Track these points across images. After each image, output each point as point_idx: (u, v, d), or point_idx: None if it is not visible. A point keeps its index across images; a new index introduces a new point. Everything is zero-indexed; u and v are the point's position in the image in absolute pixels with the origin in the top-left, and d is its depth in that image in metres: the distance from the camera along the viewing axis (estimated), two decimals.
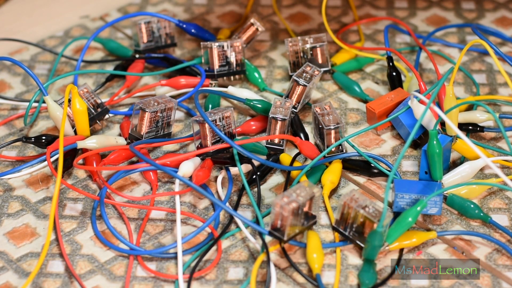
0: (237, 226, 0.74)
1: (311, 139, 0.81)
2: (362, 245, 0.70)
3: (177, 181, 0.73)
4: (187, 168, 0.75)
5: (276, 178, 0.79)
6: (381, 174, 0.78)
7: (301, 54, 0.87)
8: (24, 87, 0.89)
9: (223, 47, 0.86)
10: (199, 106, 0.75)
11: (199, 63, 0.87)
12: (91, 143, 0.78)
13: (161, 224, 0.75)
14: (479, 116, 0.81)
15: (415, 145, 0.81)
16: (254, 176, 0.77)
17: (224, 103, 0.87)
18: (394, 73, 0.86)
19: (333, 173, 0.77)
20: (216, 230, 0.73)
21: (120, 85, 0.89)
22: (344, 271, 0.71)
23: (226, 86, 0.85)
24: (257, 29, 0.90)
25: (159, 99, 0.79)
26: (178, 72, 0.88)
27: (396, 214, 0.74)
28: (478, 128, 0.81)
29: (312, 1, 1.01)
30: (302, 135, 0.80)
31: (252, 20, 0.90)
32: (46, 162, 0.79)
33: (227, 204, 0.76)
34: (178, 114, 0.86)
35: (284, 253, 0.71)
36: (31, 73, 0.80)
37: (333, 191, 0.77)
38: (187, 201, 0.77)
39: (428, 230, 0.74)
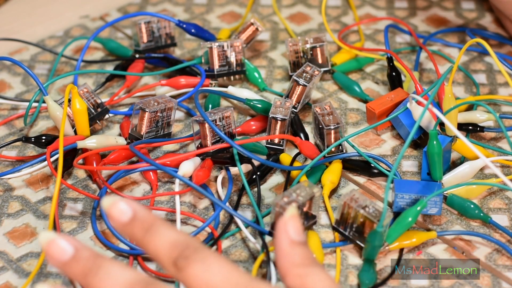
0: (237, 226, 0.74)
1: (311, 139, 0.82)
2: (362, 245, 0.70)
3: (177, 181, 0.73)
4: (187, 168, 0.75)
5: (276, 178, 0.79)
6: (381, 174, 0.78)
7: (301, 54, 0.87)
8: (24, 87, 0.89)
9: (223, 47, 0.86)
10: (199, 106, 0.75)
11: (199, 63, 0.87)
12: (91, 143, 0.78)
13: None
14: (479, 116, 0.81)
15: (415, 145, 0.81)
16: (254, 176, 0.77)
17: (224, 103, 0.87)
18: (394, 73, 0.86)
19: (333, 173, 0.77)
20: (216, 230, 0.73)
21: (120, 85, 0.89)
22: (344, 271, 0.71)
23: (226, 86, 0.85)
24: (257, 29, 0.90)
25: (159, 99, 0.79)
26: (178, 72, 0.88)
27: (396, 214, 0.74)
28: (478, 128, 0.81)
29: (312, 1, 1.01)
30: (302, 135, 0.80)
31: (252, 20, 0.90)
32: (46, 162, 0.79)
33: (227, 204, 0.76)
34: (178, 114, 0.86)
35: None
36: (31, 73, 0.80)
37: (333, 191, 0.77)
38: (187, 201, 0.77)
39: (428, 230, 0.74)
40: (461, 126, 0.81)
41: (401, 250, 0.71)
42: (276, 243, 0.55)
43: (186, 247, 0.53)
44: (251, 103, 0.82)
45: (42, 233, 0.52)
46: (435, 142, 0.73)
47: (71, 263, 0.52)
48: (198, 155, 0.77)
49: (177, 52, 0.93)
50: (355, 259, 0.71)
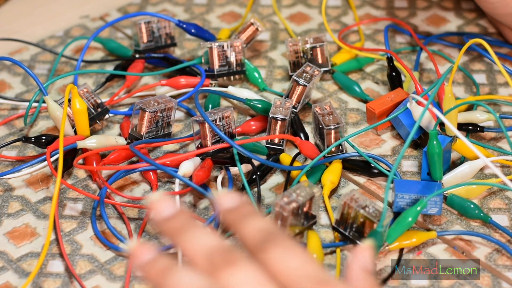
0: None
1: (311, 139, 0.82)
2: None
3: (177, 181, 0.73)
4: (187, 168, 0.75)
5: (276, 178, 0.79)
6: (381, 174, 0.78)
7: (301, 54, 0.87)
8: (24, 87, 0.89)
9: (223, 47, 0.86)
10: (199, 106, 0.75)
11: (199, 63, 0.87)
12: (91, 143, 0.78)
13: None
14: (479, 116, 0.81)
15: (415, 145, 0.81)
16: (254, 176, 0.77)
17: (224, 103, 0.87)
18: (394, 73, 0.86)
19: (333, 173, 0.77)
20: (216, 230, 0.73)
21: (120, 85, 0.89)
22: (344, 271, 0.70)
23: (226, 86, 0.85)
24: (257, 29, 0.90)
25: (159, 99, 0.79)
26: (178, 72, 0.88)
27: (396, 214, 0.74)
28: (478, 128, 0.81)
29: (312, 1, 1.01)
30: (302, 135, 0.80)
31: (252, 20, 0.90)
32: (46, 162, 0.79)
33: None
34: (178, 114, 0.86)
35: None
36: (31, 73, 0.80)
37: (333, 191, 0.77)
38: (187, 201, 0.77)
39: (428, 230, 0.74)
40: (461, 126, 0.81)
41: (401, 250, 0.71)
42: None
43: (272, 233, 0.56)
44: (251, 103, 0.82)
45: (151, 195, 0.58)
46: (435, 142, 0.73)
47: (168, 222, 0.57)
48: (198, 155, 0.77)
49: (177, 52, 0.93)
50: None
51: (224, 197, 0.58)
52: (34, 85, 0.89)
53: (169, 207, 0.56)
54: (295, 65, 0.87)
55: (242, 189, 0.76)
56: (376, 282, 0.59)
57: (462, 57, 0.90)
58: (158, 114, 0.79)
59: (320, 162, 0.77)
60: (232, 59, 0.86)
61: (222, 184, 0.77)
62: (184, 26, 0.89)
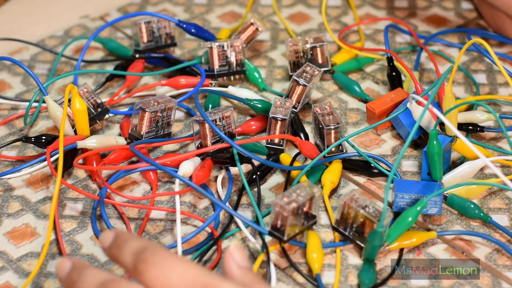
0: (237, 226, 0.74)
1: (311, 139, 0.82)
2: (362, 245, 0.70)
3: (177, 181, 0.73)
4: (187, 168, 0.75)
5: (276, 178, 0.79)
6: (381, 174, 0.78)
7: (301, 54, 0.87)
8: (24, 87, 0.89)
9: (223, 47, 0.86)
10: (199, 106, 0.75)
11: (199, 63, 0.87)
12: (91, 143, 0.78)
13: (161, 224, 0.75)
14: (479, 116, 0.81)
15: (415, 145, 0.81)
16: (254, 176, 0.77)
17: (224, 103, 0.87)
18: (394, 73, 0.86)
19: (333, 173, 0.77)
20: (216, 230, 0.73)
21: (120, 85, 0.89)
22: (344, 271, 0.71)
23: (226, 86, 0.85)
24: (257, 29, 0.90)
25: (159, 99, 0.79)
26: (178, 72, 0.89)
27: (396, 214, 0.74)
28: (478, 128, 0.81)
29: (312, 1, 1.01)
30: (302, 135, 0.80)
31: (252, 20, 0.90)
32: (46, 162, 0.79)
33: (227, 204, 0.76)
34: (178, 114, 0.86)
35: (284, 253, 0.71)
36: (31, 73, 0.80)
37: (333, 191, 0.77)
38: (187, 201, 0.77)
39: (428, 230, 0.74)
40: (461, 126, 0.81)
41: (401, 250, 0.71)
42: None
43: (143, 251, 0.57)
44: (251, 103, 0.82)
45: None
46: (435, 142, 0.73)
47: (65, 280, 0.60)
48: (198, 155, 0.77)
49: (177, 52, 0.93)
50: (355, 259, 0.71)
51: (103, 236, 0.60)
52: (34, 85, 0.89)
53: (66, 265, 0.60)
54: (295, 65, 0.87)
55: (242, 189, 0.76)
56: (257, 276, 0.60)
57: (462, 57, 0.90)
58: (158, 114, 0.79)
59: (320, 162, 0.77)
60: (232, 59, 0.86)
61: (222, 184, 0.77)
62: (184, 26, 0.89)
